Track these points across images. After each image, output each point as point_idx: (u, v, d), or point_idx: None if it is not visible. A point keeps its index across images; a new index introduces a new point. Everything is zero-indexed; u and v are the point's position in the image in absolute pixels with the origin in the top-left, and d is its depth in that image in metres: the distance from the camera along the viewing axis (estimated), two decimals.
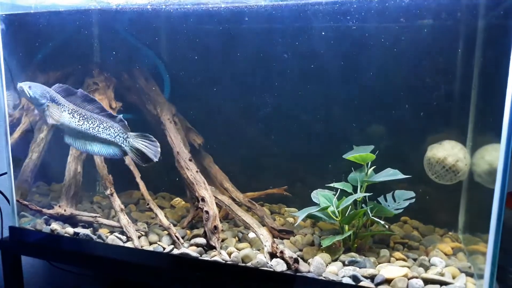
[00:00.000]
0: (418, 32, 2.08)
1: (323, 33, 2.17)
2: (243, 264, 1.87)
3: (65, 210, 2.25)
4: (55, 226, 2.21)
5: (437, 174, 1.99)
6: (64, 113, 2.01)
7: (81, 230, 2.16)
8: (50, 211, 2.27)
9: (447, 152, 1.99)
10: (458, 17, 2.01)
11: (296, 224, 2.02)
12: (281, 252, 1.82)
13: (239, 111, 2.55)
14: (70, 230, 2.17)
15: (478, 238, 1.85)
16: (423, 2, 1.92)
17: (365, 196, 1.98)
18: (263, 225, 2.15)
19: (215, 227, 1.97)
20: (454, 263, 1.86)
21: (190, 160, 2.18)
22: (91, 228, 2.22)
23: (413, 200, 2.02)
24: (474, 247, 1.91)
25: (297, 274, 1.76)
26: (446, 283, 1.68)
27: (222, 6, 1.97)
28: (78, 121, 2.02)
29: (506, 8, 1.61)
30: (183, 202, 2.58)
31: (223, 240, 2.07)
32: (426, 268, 1.81)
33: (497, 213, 1.56)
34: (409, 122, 2.23)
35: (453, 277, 1.75)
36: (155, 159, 2.06)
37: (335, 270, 1.78)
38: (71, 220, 2.26)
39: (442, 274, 1.73)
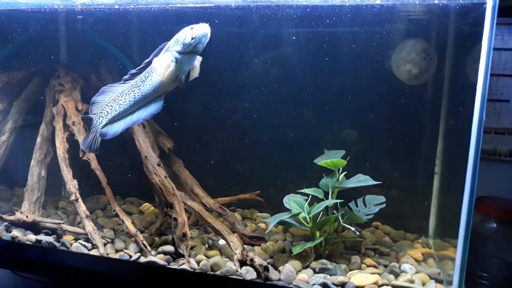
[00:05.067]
0: (389, 38, 2.08)
1: (294, 38, 2.15)
2: (212, 273, 1.82)
3: (27, 217, 2.15)
4: (16, 233, 2.10)
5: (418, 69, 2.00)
6: None
7: (43, 238, 2.06)
8: (11, 218, 2.16)
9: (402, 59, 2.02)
10: (430, 24, 2.03)
11: (267, 231, 1.99)
12: (251, 259, 1.78)
13: (210, 115, 2.50)
14: (32, 237, 2.07)
15: (447, 244, 1.87)
16: (395, 9, 1.92)
17: (336, 202, 1.96)
18: (234, 232, 2.11)
19: (184, 235, 1.92)
20: (424, 269, 1.86)
21: (158, 165, 2.12)
22: (55, 235, 2.13)
23: (384, 205, 2.02)
24: (443, 252, 1.92)
25: (267, 282, 1.73)
26: None
27: (190, 6, 1.92)
28: None
29: (475, 17, 1.62)
30: (152, 208, 2.51)
31: (192, 248, 2.02)
32: (397, 275, 1.80)
33: (466, 219, 1.57)
34: (380, 127, 2.23)
35: (423, 284, 1.75)
36: None
37: (305, 278, 1.75)
38: (33, 227, 2.15)
39: (412, 281, 1.73)
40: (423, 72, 2.05)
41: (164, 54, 1.78)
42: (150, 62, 1.83)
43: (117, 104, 1.90)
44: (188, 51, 1.76)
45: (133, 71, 1.87)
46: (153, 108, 1.86)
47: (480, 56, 1.45)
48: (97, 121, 1.95)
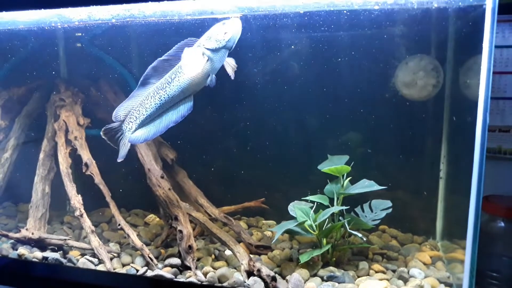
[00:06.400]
0: (390, 41, 2.07)
1: (293, 45, 2.14)
2: (220, 285, 1.81)
3: (32, 234, 2.15)
4: (23, 250, 2.11)
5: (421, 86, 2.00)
6: None
7: (50, 254, 2.06)
8: (17, 235, 2.16)
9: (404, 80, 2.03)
10: (429, 26, 2.01)
11: (273, 240, 1.98)
12: (258, 270, 1.77)
13: (213, 123, 2.49)
14: (38, 254, 2.07)
15: (456, 245, 1.84)
16: (394, 12, 1.91)
17: (342, 208, 1.95)
18: (240, 241, 2.10)
19: (190, 247, 1.91)
20: (433, 273, 1.84)
21: (162, 177, 2.11)
22: (61, 251, 2.12)
23: (390, 210, 2.00)
24: (452, 255, 1.90)
25: None
26: None
27: (188, 19, 1.92)
28: None
29: (475, 17, 1.60)
30: (157, 219, 2.50)
31: (198, 259, 2.01)
32: (406, 280, 1.79)
33: (474, 220, 1.55)
34: (384, 130, 2.22)
35: None
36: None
37: (314, 287, 1.74)
38: (39, 244, 2.15)
39: (421, 286, 1.71)
40: (430, 92, 2.05)
41: (195, 52, 1.73)
42: (174, 56, 1.78)
43: (144, 108, 1.85)
44: (221, 47, 1.72)
45: (155, 64, 1.81)
46: (183, 109, 1.82)
47: (481, 57, 1.44)
48: (126, 126, 1.91)
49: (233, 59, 1.82)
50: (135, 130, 1.90)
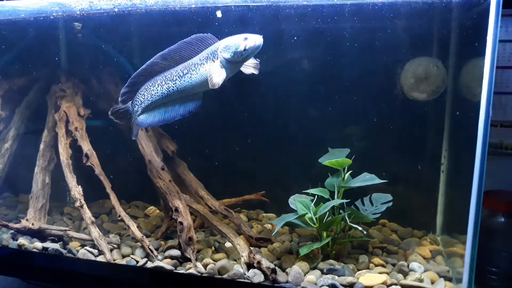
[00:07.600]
0: (393, 34, 2.06)
1: (295, 36, 2.13)
2: (219, 276, 1.81)
3: (33, 224, 2.15)
4: (23, 241, 2.11)
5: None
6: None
7: (50, 245, 2.06)
8: (17, 226, 2.16)
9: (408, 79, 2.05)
10: (432, 20, 2.00)
11: (273, 233, 1.98)
12: (258, 262, 1.78)
13: (214, 115, 2.48)
14: (38, 245, 2.07)
15: (455, 240, 1.85)
16: (397, 5, 1.90)
17: (342, 202, 1.94)
18: (240, 234, 2.10)
19: (190, 239, 1.91)
20: (433, 267, 1.84)
21: (162, 169, 2.11)
22: (61, 242, 2.13)
23: (391, 203, 2.00)
24: (452, 249, 1.90)
25: (275, 285, 1.72)
26: None
27: (192, 7, 1.90)
28: None
29: (479, 11, 1.60)
30: (158, 211, 2.51)
31: (198, 251, 2.01)
32: (405, 274, 1.79)
33: (474, 215, 1.55)
34: (385, 124, 2.21)
35: (432, 282, 1.74)
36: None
37: (313, 279, 1.74)
38: (39, 234, 2.15)
39: (421, 280, 1.71)
40: (432, 92, 2.05)
41: (211, 58, 1.73)
42: (187, 48, 1.78)
43: (149, 94, 1.87)
44: (237, 61, 1.71)
45: (165, 52, 1.80)
46: (191, 106, 1.85)
47: (484, 51, 1.43)
48: (133, 108, 1.94)
49: (254, 59, 1.80)
50: (141, 113, 1.93)
